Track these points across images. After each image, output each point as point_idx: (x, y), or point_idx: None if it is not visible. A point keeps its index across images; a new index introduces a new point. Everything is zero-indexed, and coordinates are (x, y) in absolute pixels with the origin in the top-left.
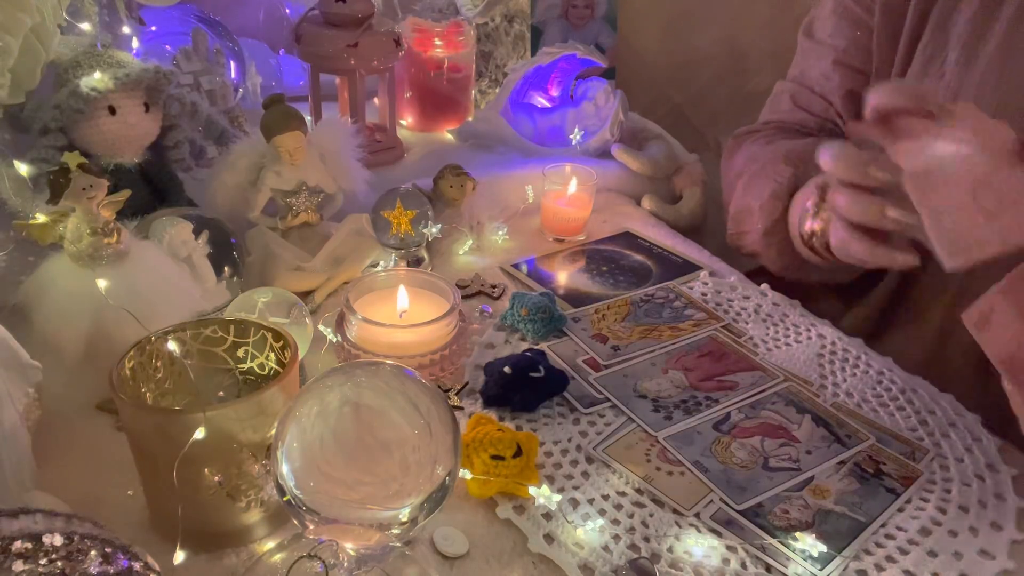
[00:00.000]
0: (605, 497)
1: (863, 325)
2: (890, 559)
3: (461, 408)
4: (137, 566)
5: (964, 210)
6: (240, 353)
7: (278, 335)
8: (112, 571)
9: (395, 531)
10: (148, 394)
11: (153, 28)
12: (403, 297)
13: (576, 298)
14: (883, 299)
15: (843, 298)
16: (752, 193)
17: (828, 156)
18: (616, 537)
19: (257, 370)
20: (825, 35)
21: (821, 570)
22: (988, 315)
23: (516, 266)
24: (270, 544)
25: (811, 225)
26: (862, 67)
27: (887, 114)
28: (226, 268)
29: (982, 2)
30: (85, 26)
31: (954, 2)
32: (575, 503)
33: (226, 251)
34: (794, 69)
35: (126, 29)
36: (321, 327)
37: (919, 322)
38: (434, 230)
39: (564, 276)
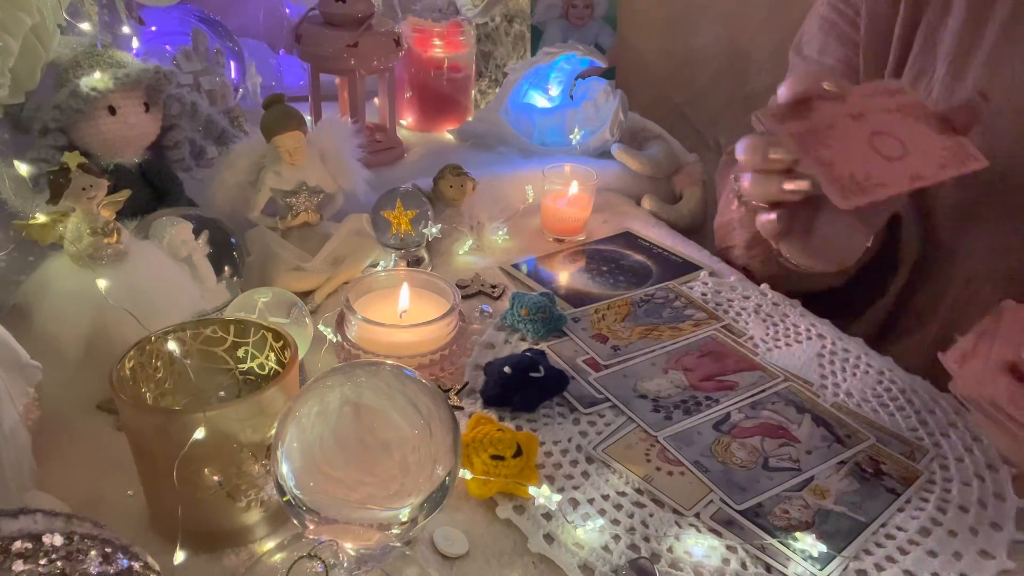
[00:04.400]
0: (605, 497)
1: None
2: (890, 559)
3: (461, 408)
4: (137, 566)
5: (860, 157)
6: (240, 353)
7: (278, 335)
8: (112, 571)
9: (395, 531)
10: (148, 394)
11: (153, 28)
12: (403, 297)
13: (576, 298)
14: (882, 314)
15: (842, 314)
16: (732, 208)
17: (739, 148)
18: (616, 537)
19: (257, 370)
20: (813, 53)
21: (821, 570)
22: (967, 355)
23: (516, 266)
24: (270, 544)
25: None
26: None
27: (799, 102)
28: (226, 268)
29: (968, 17)
30: (85, 26)
31: (940, 17)
32: (575, 503)
33: (226, 251)
34: None
35: (126, 29)
36: (321, 327)
37: (918, 334)
38: (434, 230)
39: (564, 276)
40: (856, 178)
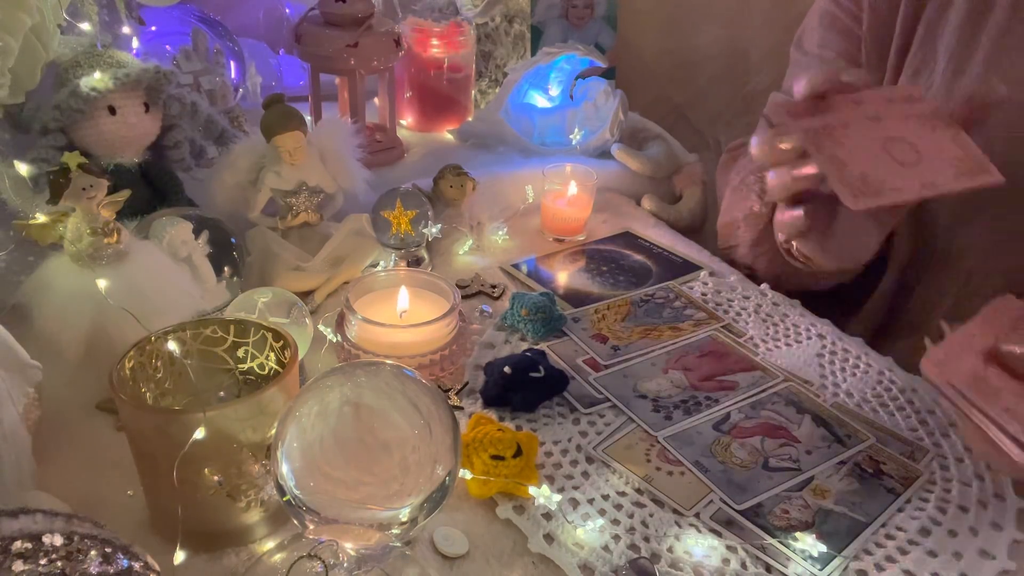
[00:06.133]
0: (605, 497)
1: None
2: (890, 559)
3: (461, 408)
4: (137, 566)
5: (873, 159)
6: (240, 353)
7: (278, 335)
8: (112, 571)
9: (395, 531)
10: (148, 394)
11: (153, 28)
12: (403, 297)
13: (576, 298)
14: (880, 313)
15: (839, 312)
16: (736, 206)
17: (751, 144)
18: (616, 537)
19: (257, 370)
20: (814, 47)
21: (821, 570)
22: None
23: (516, 266)
24: (270, 544)
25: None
26: None
27: (815, 98)
28: (226, 268)
29: (969, 12)
30: (85, 26)
31: (941, 12)
32: (575, 503)
33: (226, 251)
34: (787, 82)
35: (126, 29)
36: (321, 327)
37: (918, 333)
38: (434, 230)
39: (564, 276)
40: (868, 180)
